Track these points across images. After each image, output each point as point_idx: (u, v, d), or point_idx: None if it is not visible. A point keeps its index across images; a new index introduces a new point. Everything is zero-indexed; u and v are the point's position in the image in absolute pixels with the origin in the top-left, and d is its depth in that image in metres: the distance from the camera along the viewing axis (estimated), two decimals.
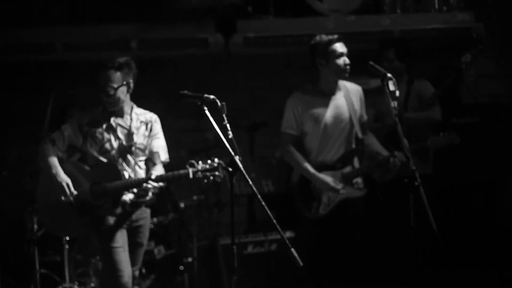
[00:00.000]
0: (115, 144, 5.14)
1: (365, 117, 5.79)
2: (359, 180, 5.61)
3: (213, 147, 6.84)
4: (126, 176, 5.08)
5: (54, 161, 5.05)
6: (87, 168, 5.09)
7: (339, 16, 7.52)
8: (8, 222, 7.08)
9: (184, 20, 7.69)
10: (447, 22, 7.48)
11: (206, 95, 4.44)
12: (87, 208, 4.98)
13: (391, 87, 5.09)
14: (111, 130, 5.14)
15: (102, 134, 5.14)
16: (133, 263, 5.16)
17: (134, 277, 5.21)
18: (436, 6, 7.57)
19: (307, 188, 5.53)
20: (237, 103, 7.58)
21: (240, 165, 4.29)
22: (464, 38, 7.44)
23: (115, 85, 5.07)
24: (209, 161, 4.86)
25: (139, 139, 5.20)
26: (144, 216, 5.28)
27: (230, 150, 4.29)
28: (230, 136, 4.30)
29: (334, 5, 7.59)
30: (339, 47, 5.53)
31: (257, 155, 7.37)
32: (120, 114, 5.20)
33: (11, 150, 7.19)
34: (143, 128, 5.25)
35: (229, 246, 6.04)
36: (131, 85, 5.19)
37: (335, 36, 5.56)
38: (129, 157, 5.17)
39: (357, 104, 5.68)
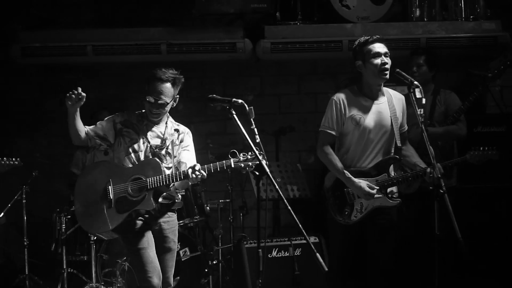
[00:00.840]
0: (142, 146, 5.16)
1: (406, 127, 5.63)
2: (394, 189, 5.47)
3: (240, 150, 6.89)
4: (167, 171, 5.09)
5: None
6: (127, 166, 5.11)
7: (366, 23, 7.54)
8: (37, 222, 7.14)
9: (212, 25, 7.78)
10: (473, 30, 7.45)
11: (234, 99, 4.49)
12: (125, 204, 4.99)
13: (418, 94, 5.09)
14: (142, 132, 5.19)
15: (132, 134, 5.17)
16: (164, 271, 5.13)
17: (168, 284, 5.20)
18: (463, 15, 7.56)
19: (340, 193, 5.43)
20: (263, 108, 7.66)
21: (267, 169, 4.34)
22: (490, 47, 7.42)
23: (168, 100, 5.11)
24: (249, 153, 4.80)
25: (169, 145, 5.22)
26: (170, 220, 5.28)
27: (257, 154, 4.33)
28: (258, 140, 4.34)
29: (362, 12, 7.59)
30: (376, 47, 5.35)
31: (283, 160, 7.40)
32: (155, 121, 5.25)
33: (41, 151, 7.26)
34: (175, 136, 5.27)
35: (254, 250, 6.13)
36: (177, 99, 5.24)
37: (374, 37, 5.39)
38: (153, 156, 5.17)
39: (399, 113, 5.50)
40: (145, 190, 4.97)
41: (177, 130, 5.29)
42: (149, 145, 5.16)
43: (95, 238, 6.47)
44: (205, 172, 4.88)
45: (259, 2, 7.51)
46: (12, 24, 7.88)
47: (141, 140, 5.17)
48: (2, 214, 6.67)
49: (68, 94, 5.00)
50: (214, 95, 4.67)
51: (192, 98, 7.84)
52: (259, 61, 7.84)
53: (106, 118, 5.26)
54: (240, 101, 4.48)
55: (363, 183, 5.33)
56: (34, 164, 7.00)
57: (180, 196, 5.31)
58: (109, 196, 4.99)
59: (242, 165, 4.83)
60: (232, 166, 4.84)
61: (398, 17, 7.78)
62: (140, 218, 5.08)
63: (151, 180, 4.96)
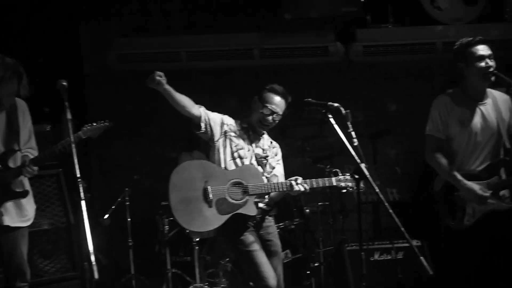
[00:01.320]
0: (248, 154, 5.26)
1: None
2: (506, 192, 5.35)
3: (337, 154, 6.93)
4: (265, 180, 5.18)
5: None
6: (225, 170, 5.17)
7: (459, 25, 7.47)
8: (141, 224, 7.29)
9: (304, 29, 7.81)
10: None
11: (330, 103, 4.49)
12: (227, 206, 5.04)
13: None
14: (249, 140, 5.31)
15: (238, 140, 5.27)
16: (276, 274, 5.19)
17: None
18: None
19: (450, 197, 5.32)
20: (357, 111, 7.65)
21: (366, 173, 4.32)
22: None
23: (281, 114, 5.31)
24: (348, 174, 5.04)
25: (269, 156, 5.36)
26: (272, 225, 5.37)
27: (356, 157, 4.31)
28: (356, 143, 4.32)
29: (454, 14, 7.55)
30: (480, 49, 5.24)
31: (381, 163, 7.39)
32: (260, 132, 5.40)
33: (141, 155, 7.39)
34: (271, 149, 5.42)
35: (356, 252, 6.16)
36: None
37: (476, 38, 5.28)
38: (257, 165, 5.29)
39: (506, 114, 5.39)
40: (247, 195, 5.05)
41: (272, 143, 5.45)
42: (253, 154, 5.27)
43: (197, 239, 6.55)
44: (307, 186, 5.03)
45: (350, 5, 7.54)
46: (107, 32, 8.07)
47: (247, 148, 5.27)
48: (107, 216, 6.81)
49: (150, 77, 5.12)
50: (310, 99, 4.69)
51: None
52: (351, 64, 7.84)
53: (215, 113, 5.33)
54: (336, 104, 4.48)
55: (475, 186, 5.23)
56: (135, 168, 7.12)
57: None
58: (209, 197, 5.03)
59: (343, 184, 5.05)
60: (334, 184, 5.05)
61: (491, 18, 7.66)
62: (245, 221, 5.14)
63: (253, 187, 5.05)
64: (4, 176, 5.01)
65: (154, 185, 7.79)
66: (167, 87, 5.12)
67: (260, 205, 5.20)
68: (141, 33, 8.03)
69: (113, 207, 6.84)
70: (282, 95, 5.34)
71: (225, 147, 5.24)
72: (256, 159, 5.27)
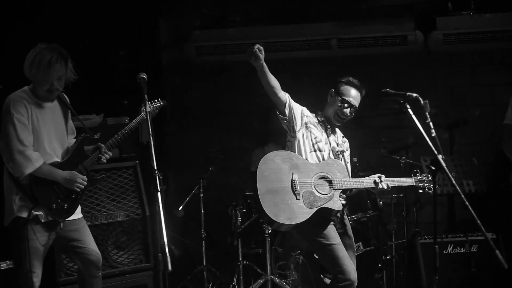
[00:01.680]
0: (325, 146, 5.23)
1: None
2: None
3: (412, 145, 6.81)
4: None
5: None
6: (312, 163, 5.14)
7: None
8: (214, 216, 7.36)
9: (382, 17, 7.71)
10: None
11: (408, 93, 4.42)
12: (313, 199, 5.01)
13: None
14: (325, 133, 5.28)
15: (317, 133, 5.24)
16: None
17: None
18: None
19: None
20: (436, 101, 7.49)
21: (443, 164, 4.24)
22: None
23: (357, 107, 5.29)
24: (424, 174, 5.07)
25: (344, 151, 5.34)
26: (345, 218, 5.35)
27: (433, 148, 4.24)
28: (433, 134, 4.24)
29: None
30: None
31: (457, 154, 7.23)
32: (337, 126, 5.38)
33: (216, 147, 7.46)
34: (343, 144, 5.39)
35: (429, 245, 6.06)
36: None
37: None
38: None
39: None
40: (332, 189, 5.04)
41: (343, 138, 5.44)
42: (330, 148, 5.25)
43: (269, 231, 6.57)
44: (389, 185, 5.06)
45: None
46: (186, 24, 8.18)
47: (324, 140, 5.24)
48: (181, 207, 6.90)
49: (249, 51, 5.09)
50: (388, 90, 4.64)
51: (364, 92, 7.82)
52: (431, 53, 7.68)
53: (295, 103, 5.29)
54: (414, 94, 4.42)
55: None
56: (210, 159, 7.19)
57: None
58: (297, 189, 5.01)
59: (421, 185, 5.08)
60: (413, 184, 5.06)
61: None
62: (329, 215, 5.10)
63: (339, 181, 5.05)
64: (85, 165, 5.10)
65: (228, 177, 7.91)
66: (263, 63, 5.10)
67: (341, 200, 5.14)
68: (220, 25, 8.10)
69: (187, 198, 6.93)
70: (358, 88, 5.31)
71: (305, 138, 5.22)
72: (333, 153, 5.25)
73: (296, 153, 5.20)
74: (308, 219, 4.97)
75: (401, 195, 6.96)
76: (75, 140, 5.23)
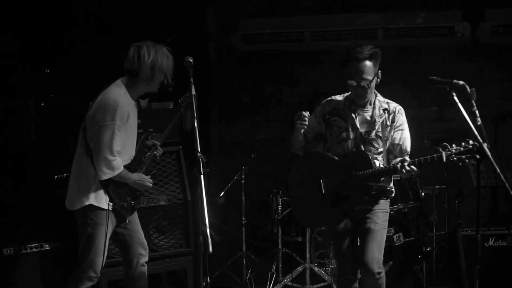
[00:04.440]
0: (352, 134, 5.03)
1: None
2: None
3: (457, 137, 6.74)
4: (377, 163, 4.92)
5: (295, 138, 5.10)
6: (336, 158, 5.03)
7: None
8: (254, 203, 7.43)
9: (430, 8, 7.65)
10: None
11: (455, 81, 4.33)
12: (339, 199, 4.96)
13: None
14: (350, 119, 5.05)
15: (340, 123, 5.07)
16: (364, 254, 4.93)
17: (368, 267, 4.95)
18: None
19: None
20: (482, 94, 7.41)
21: (488, 153, 4.16)
22: None
23: (370, 78, 4.87)
24: (463, 143, 4.47)
25: (379, 128, 5.02)
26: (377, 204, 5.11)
27: (478, 137, 4.17)
28: (479, 123, 4.12)
29: None
30: None
31: (502, 147, 7.15)
32: (363, 104, 5.06)
33: (260, 135, 7.52)
34: (384, 117, 5.02)
35: (470, 237, 6.02)
36: (380, 74, 4.99)
37: None
38: (366, 146, 5.02)
39: None
40: (356, 185, 4.91)
41: (386, 110, 5.05)
42: (358, 132, 5.02)
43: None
44: (415, 167, 4.66)
45: None
46: (234, 13, 8.23)
47: (350, 127, 5.04)
48: (222, 194, 6.95)
49: (298, 119, 4.96)
50: (434, 77, 4.56)
51: (409, 83, 7.78)
52: (478, 45, 7.60)
53: (314, 113, 5.20)
54: (461, 82, 4.30)
55: None
56: (253, 147, 7.23)
57: (392, 184, 5.16)
58: (323, 190, 5.01)
59: (455, 158, 4.51)
60: (444, 160, 4.51)
61: None
62: (350, 211, 5.03)
63: (360, 175, 4.86)
64: (145, 162, 5.25)
65: (271, 165, 7.95)
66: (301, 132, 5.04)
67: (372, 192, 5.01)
68: (268, 14, 8.14)
69: (229, 185, 6.98)
70: (363, 59, 4.87)
71: (330, 134, 5.12)
72: (362, 137, 5.02)
73: (328, 148, 5.13)
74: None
75: (443, 186, 6.89)
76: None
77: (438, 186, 6.90)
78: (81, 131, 5.02)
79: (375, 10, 7.73)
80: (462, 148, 4.43)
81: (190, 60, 4.50)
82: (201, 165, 4.11)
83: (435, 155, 4.55)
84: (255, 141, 7.39)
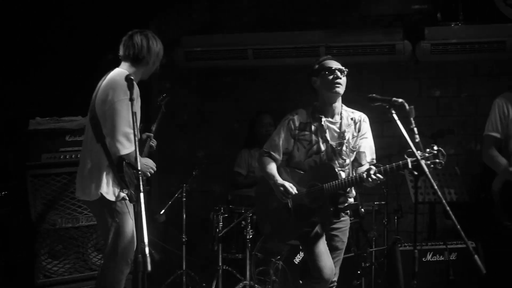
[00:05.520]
0: (323, 146, 5.05)
1: None
2: None
3: (396, 154, 6.81)
4: (343, 174, 4.94)
5: (272, 169, 5.08)
6: (301, 172, 5.06)
7: None
8: (195, 220, 7.37)
9: (371, 26, 7.75)
10: None
11: (394, 99, 4.39)
12: (304, 212, 4.97)
13: None
14: (320, 131, 5.07)
15: (310, 137, 5.07)
16: None
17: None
18: None
19: (509, 197, 5.31)
20: (421, 111, 7.50)
21: (426, 169, 4.19)
22: None
23: (344, 69, 5.12)
24: (427, 149, 4.41)
25: (349, 138, 5.08)
26: (343, 220, 5.19)
27: (417, 154, 4.21)
28: (417, 139, 4.19)
29: None
30: None
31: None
32: (331, 113, 5.11)
33: (201, 152, 7.50)
34: (352, 127, 5.13)
35: (408, 253, 6.08)
36: None
37: None
38: (337, 158, 5.06)
39: None
40: (322, 197, 4.92)
41: (353, 120, 5.14)
42: (329, 145, 5.05)
43: (250, 236, 6.57)
44: (381, 175, 4.70)
45: (421, 3, 7.43)
46: (176, 29, 8.20)
47: (320, 140, 5.06)
48: (163, 211, 6.89)
49: (283, 194, 5.00)
50: (374, 95, 4.62)
51: (349, 101, 7.82)
52: (418, 63, 7.71)
53: (282, 129, 5.14)
54: (400, 100, 4.37)
55: None
56: (195, 163, 7.20)
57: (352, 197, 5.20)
58: (289, 204, 5.02)
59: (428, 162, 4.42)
60: (410, 166, 4.42)
61: None
62: (318, 225, 5.03)
63: (326, 187, 4.89)
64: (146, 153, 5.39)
65: (212, 182, 7.92)
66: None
67: (350, 200, 5.10)
68: (210, 31, 8.14)
69: (170, 202, 6.94)
70: (331, 58, 5.20)
71: (298, 149, 5.10)
72: (333, 149, 5.05)
73: (294, 164, 5.13)
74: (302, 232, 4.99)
75: (382, 202, 6.97)
76: None
77: (377, 202, 6.99)
78: (89, 120, 5.05)
79: (317, 29, 7.79)
80: (427, 154, 4.42)
81: (132, 77, 4.51)
82: (141, 183, 4.07)
83: (400, 162, 4.55)
84: (196, 158, 7.34)
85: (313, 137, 5.06)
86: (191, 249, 7.16)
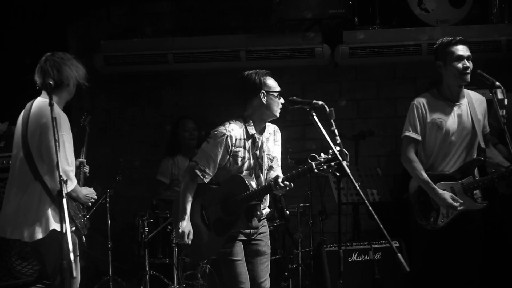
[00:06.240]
0: (252, 161, 4.97)
1: (488, 128, 5.55)
2: (478, 192, 5.43)
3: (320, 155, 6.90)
4: (253, 184, 4.86)
5: (188, 202, 4.93)
6: (214, 187, 5.00)
7: (445, 26, 7.44)
8: (119, 226, 7.33)
9: (291, 31, 7.83)
10: None
11: (315, 101, 4.42)
12: (222, 226, 4.91)
13: (499, 95, 5.02)
14: (252, 148, 4.97)
15: (243, 153, 4.94)
16: (259, 276, 5.07)
17: None
18: None
19: (425, 198, 5.41)
20: (342, 113, 7.63)
21: (348, 170, 4.21)
22: None
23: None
24: (330, 151, 4.39)
25: (269, 149, 5.06)
26: (264, 225, 5.18)
27: (338, 155, 4.26)
28: (338, 141, 4.23)
29: (441, 15, 7.49)
30: (459, 49, 5.32)
31: (362, 164, 7.36)
32: (262, 130, 5.03)
33: (123, 157, 7.43)
34: (271, 138, 5.10)
35: (334, 253, 6.12)
36: None
37: (456, 38, 5.36)
38: (260, 169, 5.03)
39: (481, 114, 5.45)
40: (237, 210, 4.87)
41: (271, 133, 5.11)
42: (258, 160, 5.00)
43: (177, 241, 6.53)
44: (289, 182, 4.67)
45: (337, 7, 7.50)
46: (95, 33, 8.11)
47: (251, 156, 4.97)
48: (87, 217, 6.79)
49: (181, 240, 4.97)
50: (294, 98, 4.64)
51: None
52: (337, 67, 7.83)
53: (219, 145, 4.90)
54: (320, 102, 4.38)
55: (446, 194, 5.32)
56: (118, 169, 7.13)
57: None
58: (206, 221, 4.98)
59: (325, 166, 4.47)
60: (315, 169, 4.50)
61: (478, 19, 7.64)
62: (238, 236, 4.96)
63: (238, 199, 4.84)
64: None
65: (136, 187, 7.86)
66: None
67: (265, 208, 5.09)
68: (129, 35, 8.07)
69: (93, 208, 6.84)
70: (270, 74, 5.07)
71: (230, 164, 4.95)
72: (259, 163, 5.01)
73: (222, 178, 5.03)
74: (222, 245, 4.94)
75: (307, 204, 7.06)
76: None
77: (302, 204, 7.07)
78: (24, 157, 4.84)
79: (238, 32, 7.83)
80: (330, 156, 4.43)
81: (51, 82, 4.44)
82: (63, 189, 4.00)
83: (305, 166, 4.57)
84: (118, 164, 7.26)
85: (246, 154, 4.97)
86: (118, 255, 7.08)
